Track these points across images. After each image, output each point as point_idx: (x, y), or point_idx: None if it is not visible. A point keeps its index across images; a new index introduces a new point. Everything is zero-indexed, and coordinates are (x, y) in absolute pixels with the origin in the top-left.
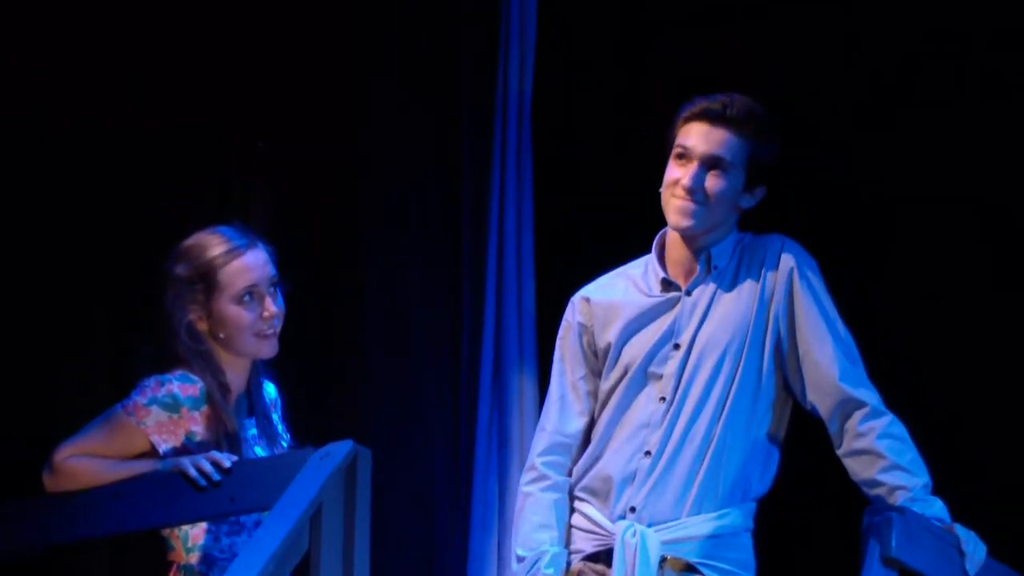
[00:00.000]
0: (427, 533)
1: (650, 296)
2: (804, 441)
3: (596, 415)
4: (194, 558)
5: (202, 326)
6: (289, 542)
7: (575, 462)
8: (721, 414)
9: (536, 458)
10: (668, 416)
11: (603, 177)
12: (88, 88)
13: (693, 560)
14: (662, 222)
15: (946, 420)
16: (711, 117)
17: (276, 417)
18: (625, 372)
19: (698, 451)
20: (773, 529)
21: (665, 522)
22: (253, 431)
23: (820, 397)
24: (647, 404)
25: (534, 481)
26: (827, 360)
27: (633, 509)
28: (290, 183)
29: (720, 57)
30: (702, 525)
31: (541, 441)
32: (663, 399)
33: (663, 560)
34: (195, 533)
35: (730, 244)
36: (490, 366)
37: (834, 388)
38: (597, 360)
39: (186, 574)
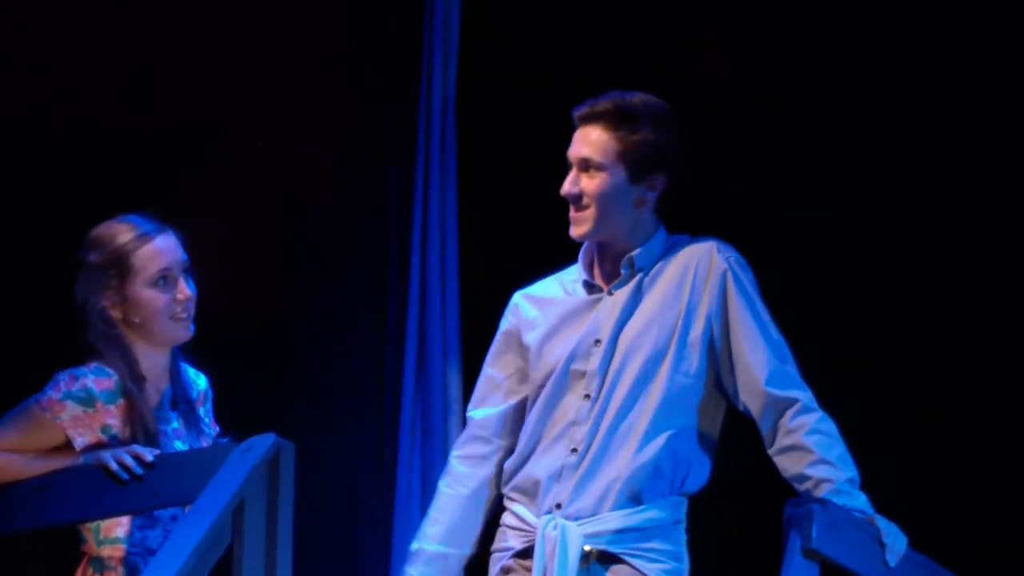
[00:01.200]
0: (350, 528)
1: (573, 297)
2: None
3: (526, 415)
4: (105, 551)
5: (115, 313)
6: (211, 536)
7: (503, 452)
8: (646, 411)
9: (452, 452)
10: (594, 413)
11: (529, 173)
12: (76, 87)
13: (617, 551)
14: None
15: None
16: (581, 119)
17: (203, 410)
18: (550, 372)
19: (622, 447)
20: (710, 523)
21: (589, 517)
22: (175, 424)
23: (751, 398)
24: (573, 402)
25: (444, 476)
26: (758, 362)
27: (559, 505)
28: (220, 178)
29: (652, 51)
30: (625, 518)
31: (463, 433)
32: (588, 396)
33: (588, 553)
34: (107, 525)
35: (657, 245)
36: (414, 360)
37: (763, 391)
38: (523, 361)
39: (95, 567)
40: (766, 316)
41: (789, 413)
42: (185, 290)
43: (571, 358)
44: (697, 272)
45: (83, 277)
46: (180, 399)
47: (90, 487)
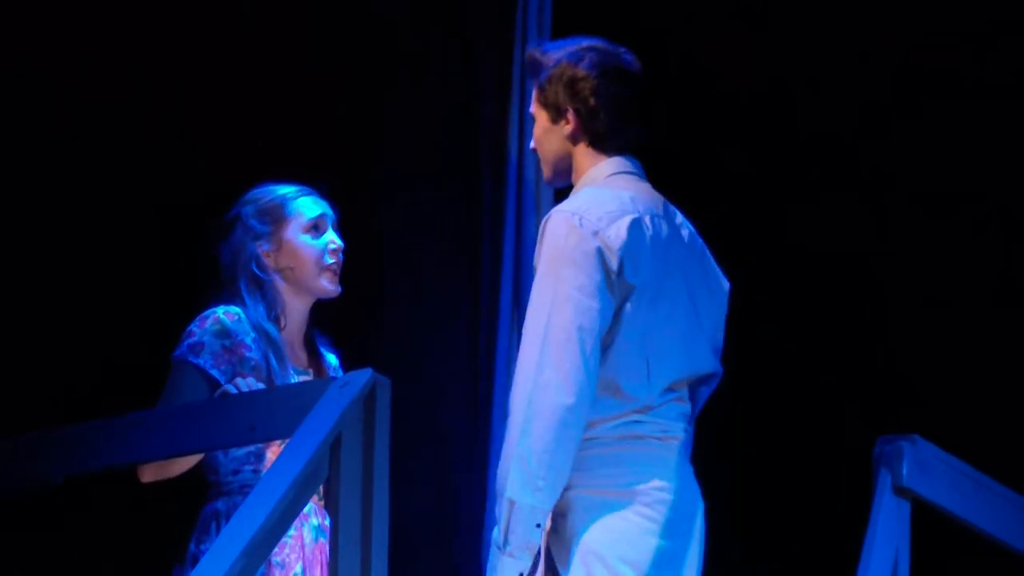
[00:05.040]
0: (445, 463)
1: None
2: None
3: None
4: (234, 487)
5: (269, 260)
6: (309, 470)
7: None
8: None
9: None
10: None
11: None
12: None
13: None
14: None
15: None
16: None
17: None
18: None
19: None
20: None
21: None
22: None
23: None
24: None
25: None
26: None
27: None
28: (308, 120)
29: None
30: None
31: None
32: None
33: None
34: (235, 467)
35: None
36: (510, 293)
37: None
38: None
39: (224, 504)
40: (546, 286)
41: None
42: (336, 240)
43: None
44: None
45: (237, 230)
46: (314, 364)
47: (185, 422)
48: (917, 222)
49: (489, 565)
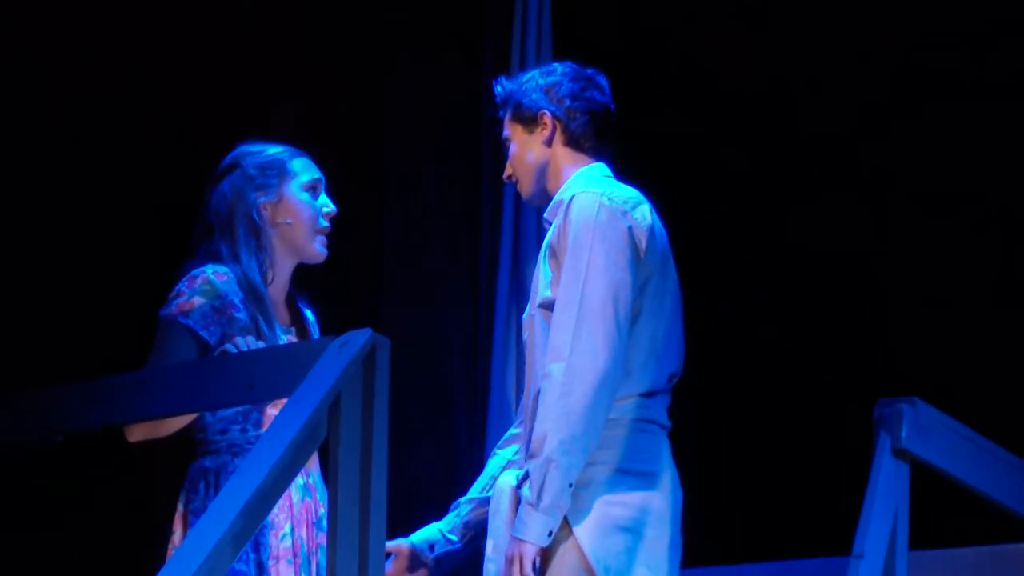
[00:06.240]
0: (444, 421)
1: None
2: None
3: None
4: (221, 447)
5: (267, 212)
6: (307, 431)
7: None
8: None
9: None
10: None
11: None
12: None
13: None
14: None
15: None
16: None
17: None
18: None
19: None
20: None
21: None
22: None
23: None
24: None
25: None
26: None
27: None
28: (314, 85)
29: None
30: None
31: None
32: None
33: None
34: (223, 427)
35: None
36: (508, 260)
37: None
38: None
39: (212, 462)
40: (578, 259)
41: None
42: (330, 205)
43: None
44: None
45: (236, 177)
46: (296, 322)
47: (184, 381)
48: (917, 222)
49: (519, 521)
